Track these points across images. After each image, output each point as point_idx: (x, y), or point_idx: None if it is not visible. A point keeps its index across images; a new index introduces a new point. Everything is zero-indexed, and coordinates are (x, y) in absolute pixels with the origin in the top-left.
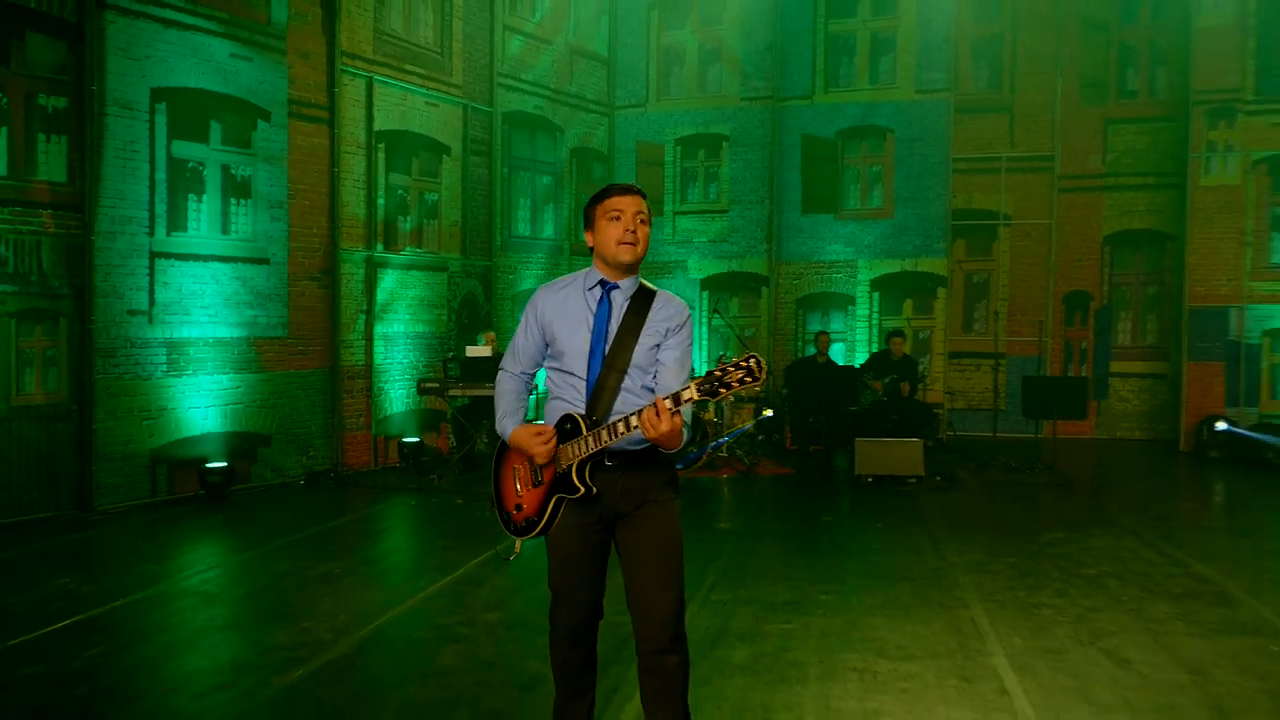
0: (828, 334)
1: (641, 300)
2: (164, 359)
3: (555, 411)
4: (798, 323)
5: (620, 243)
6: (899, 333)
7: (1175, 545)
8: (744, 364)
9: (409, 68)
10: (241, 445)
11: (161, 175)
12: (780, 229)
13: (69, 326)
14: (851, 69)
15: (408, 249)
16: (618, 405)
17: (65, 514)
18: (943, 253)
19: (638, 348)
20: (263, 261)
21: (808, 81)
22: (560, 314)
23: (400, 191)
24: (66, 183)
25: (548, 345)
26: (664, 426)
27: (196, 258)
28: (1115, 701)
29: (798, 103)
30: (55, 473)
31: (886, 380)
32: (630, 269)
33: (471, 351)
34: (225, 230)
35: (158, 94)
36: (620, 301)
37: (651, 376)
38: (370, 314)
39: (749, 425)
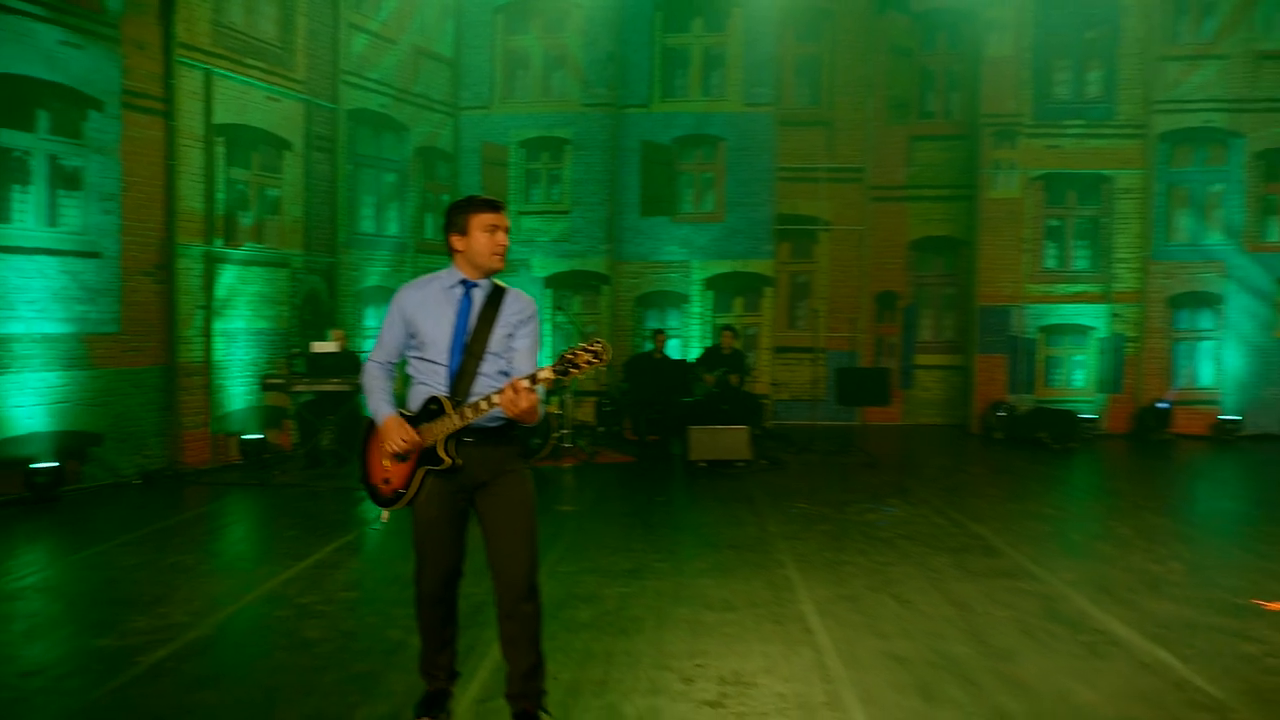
0: (665, 331)
1: (495, 296)
2: None
3: (419, 395)
4: (636, 319)
5: (494, 253)
6: (729, 328)
7: (958, 510)
8: (592, 348)
9: (250, 62)
10: (71, 445)
11: None
12: (620, 230)
13: None
14: (686, 81)
15: (248, 244)
16: (476, 388)
17: None
18: (769, 255)
19: (493, 337)
20: (93, 255)
21: (646, 91)
22: (423, 309)
23: (240, 186)
24: None
25: (411, 337)
26: (523, 403)
27: (21, 250)
28: (896, 632)
29: (637, 110)
30: None
31: (717, 373)
32: (496, 273)
33: (317, 347)
34: (53, 222)
35: None
36: (479, 298)
37: (506, 363)
38: (209, 310)
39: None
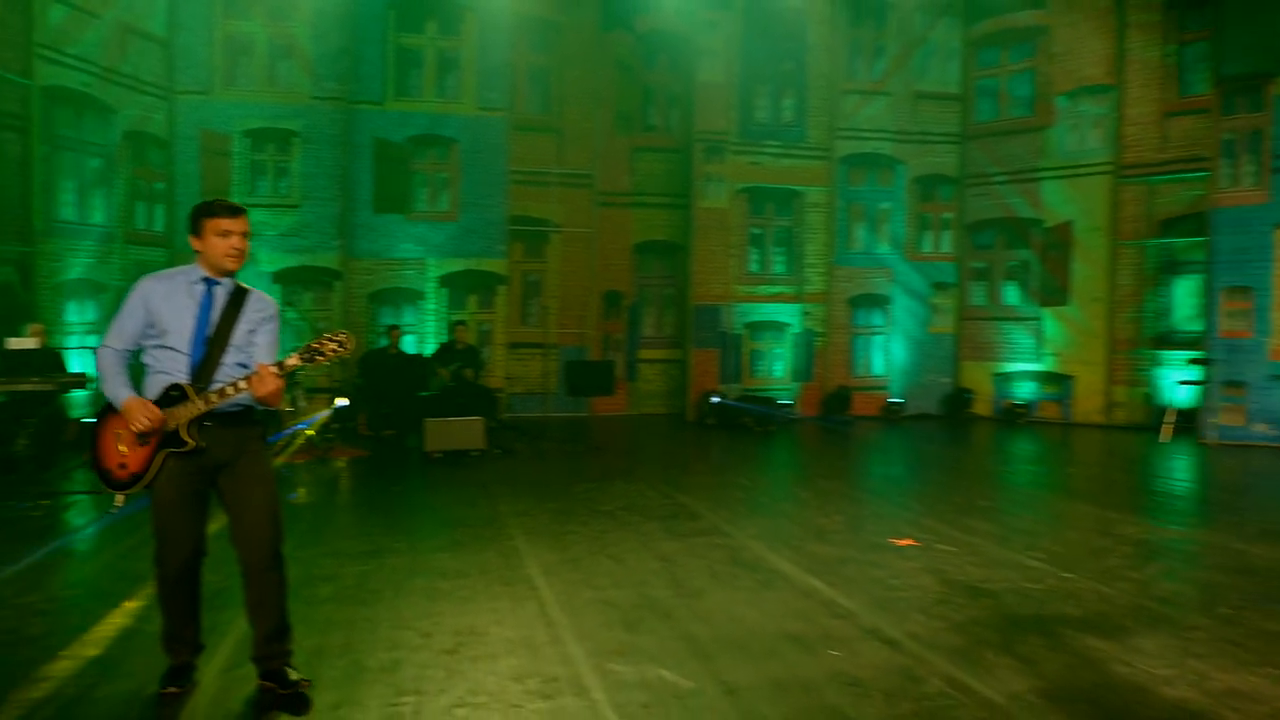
0: (399, 328)
1: (238, 296)
2: None
3: (158, 383)
4: (371, 316)
5: (227, 256)
6: (462, 324)
7: (670, 486)
8: (336, 338)
9: None
10: None
11: None
12: (353, 226)
13: None
14: (420, 81)
15: None
16: (217, 376)
17: None
18: (502, 254)
19: (235, 332)
20: None
21: (379, 88)
22: (167, 301)
23: None
24: None
25: (150, 327)
26: (270, 385)
27: None
28: (609, 583)
29: (370, 107)
30: None
31: (452, 368)
32: (233, 274)
33: (14, 344)
34: None
35: None
36: (222, 296)
37: (246, 355)
38: None
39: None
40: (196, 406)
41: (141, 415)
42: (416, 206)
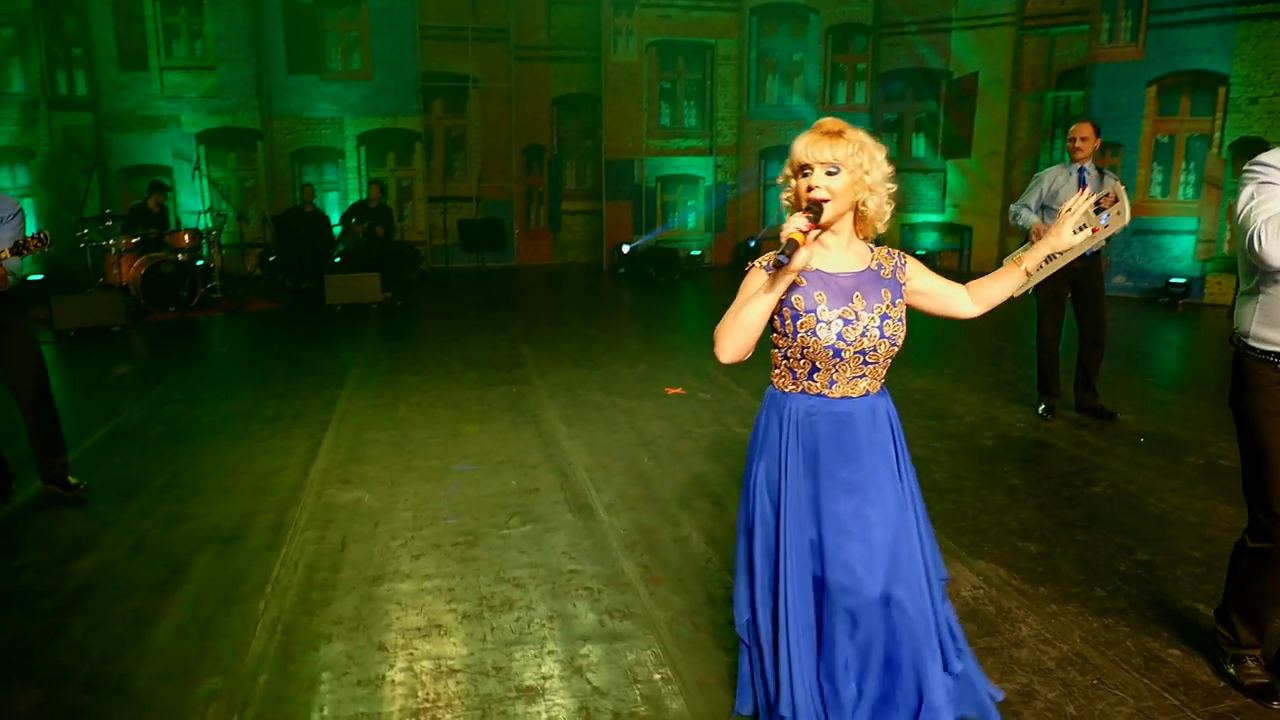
0: (311, 186)
1: None
2: None
3: None
4: (294, 175)
5: None
6: (376, 183)
7: (523, 338)
8: (39, 238)
9: None
10: None
11: None
12: (270, 87)
13: None
14: None
15: None
16: None
17: None
18: (416, 111)
19: None
20: None
21: None
22: None
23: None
24: None
25: None
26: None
27: None
28: (387, 424)
29: None
30: None
31: (364, 225)
32: None
33: None
34: None
35: None
36: None
37: None
38: None
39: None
40: None
41: None
42: (330, 66)
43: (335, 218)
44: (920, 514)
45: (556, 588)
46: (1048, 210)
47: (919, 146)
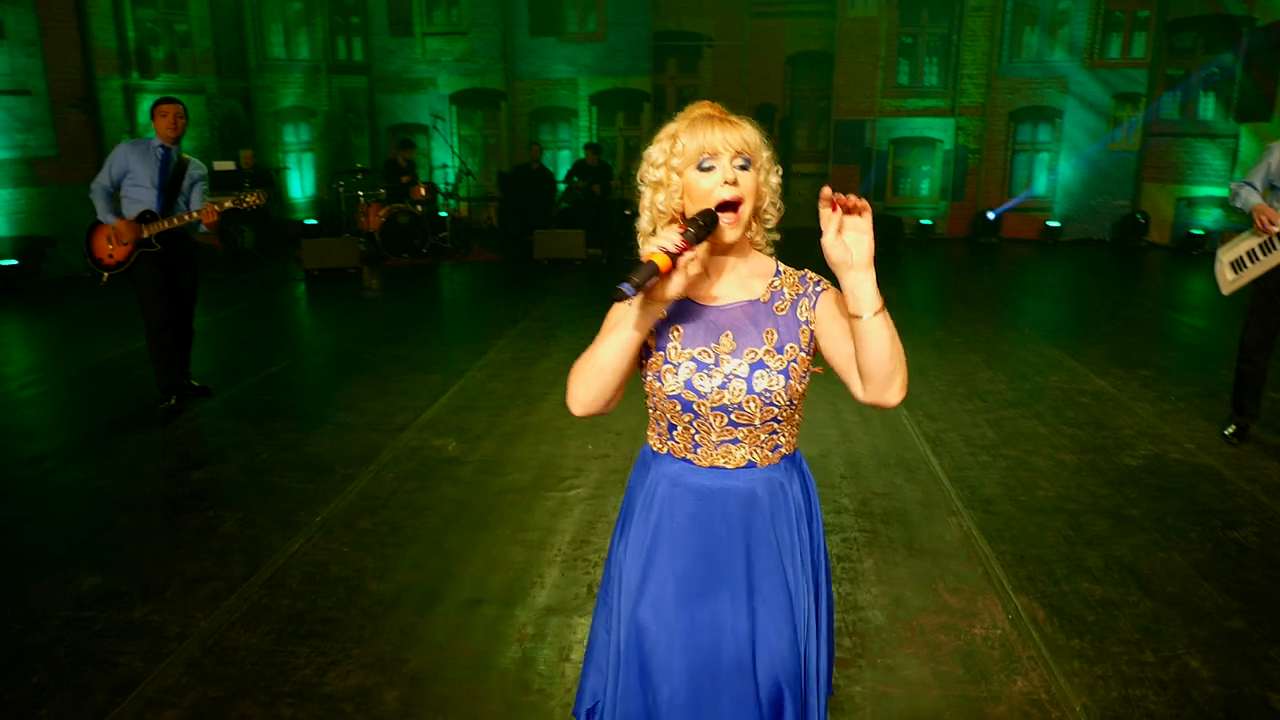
0: (539, 145)
1: (181, 162)
2: None
3: (135, 209)
4: (531, 133)
5: (164, 133)
6: (593, 145)
7: None
8: (255, 197)
9: None
10: (29, 247)
11: None
12: (513, 50)
13: None
14: None
15: (162, 75)
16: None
17: None
18: (647, 71)
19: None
20: (24, 93)
21: None
22: (135, 159)
23: (149, 24)
24: None
25: (126, 174)
26: (213, 216)
27: None
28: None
29: None
30: None
31: (584, 182)
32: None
33: (218, 166)
34: None
35: None
36: (174, 157)
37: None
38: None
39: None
40: (160, 225)
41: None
42: (568, 29)
43: (561, 174)
44: (820, 647)
45: None
46: (1277, 191)
47: (1206, 108)
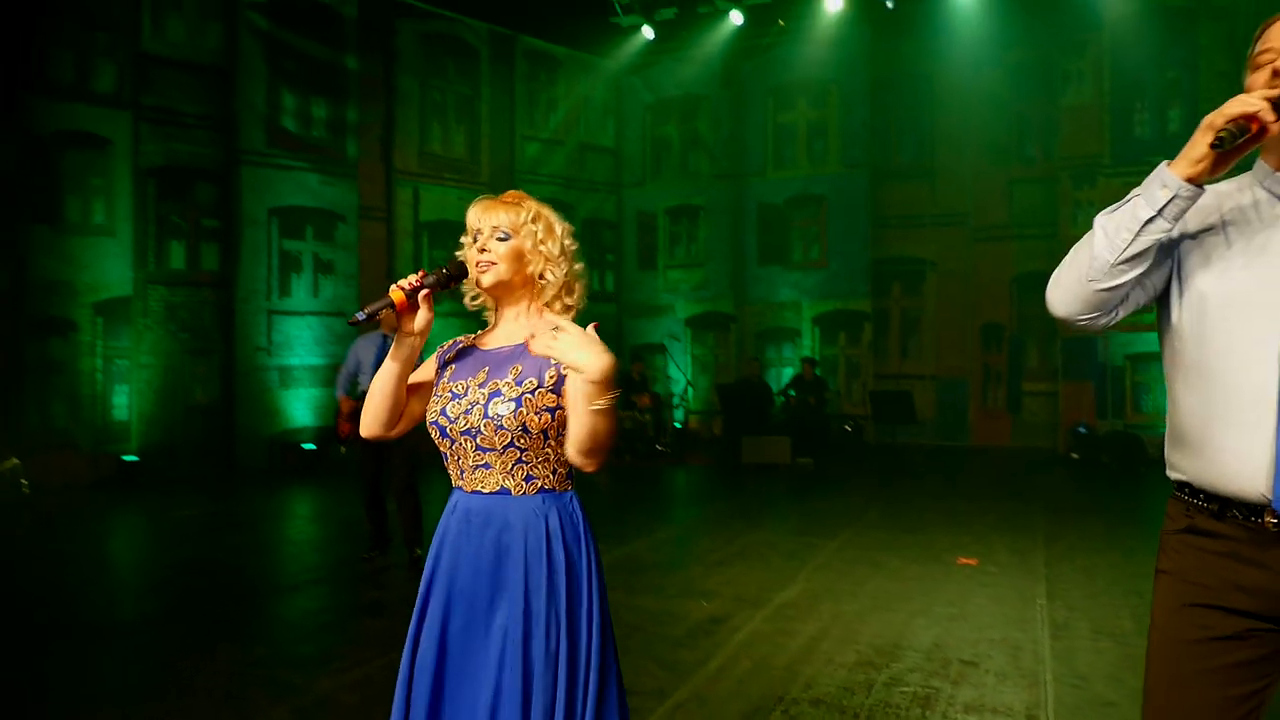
0: (758, 360)
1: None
2: (277, 379)
3: None
4: (759, 351)
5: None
6: (809, 359)
7: (891, 515)
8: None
9: (446, 175)
10: (324, 435)
11: (275, 261)
12: (743, 278)
13: (219, 359)
14: (794, 151)
15: (446, 303)
16: None
17: (213, 472)
18: (865, 294)
19: None
20: (340, 314)
21: (761, 161)
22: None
23: (441, 263)
24: (219, 270)
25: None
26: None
27: (297, 313)
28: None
29: (754, 178)
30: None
31: (799, 397)
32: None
33: None
34: (315, 295)
35: (271, 210)
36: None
37: None
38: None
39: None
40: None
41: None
42: (793, 258)
43: (778, 387)
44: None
45: None
46: None
47: None
